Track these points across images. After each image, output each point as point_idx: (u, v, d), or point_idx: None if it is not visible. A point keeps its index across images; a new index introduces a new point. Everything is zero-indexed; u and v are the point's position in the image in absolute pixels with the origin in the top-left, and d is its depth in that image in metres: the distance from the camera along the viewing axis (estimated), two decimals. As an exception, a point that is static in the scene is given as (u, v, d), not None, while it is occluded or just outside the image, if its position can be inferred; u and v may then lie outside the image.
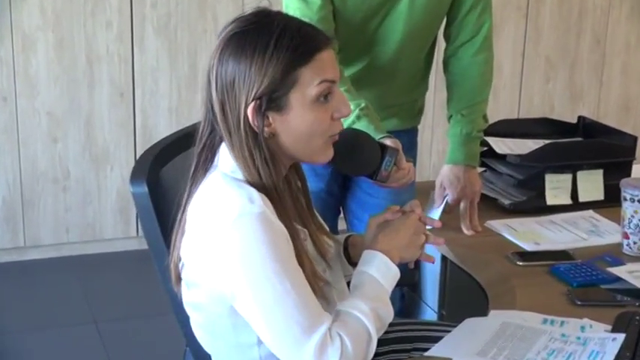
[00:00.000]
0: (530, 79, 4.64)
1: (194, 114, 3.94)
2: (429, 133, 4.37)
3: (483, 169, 2.58)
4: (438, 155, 4.42)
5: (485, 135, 2.53)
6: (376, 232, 1.58)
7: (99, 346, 3.26)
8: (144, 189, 1.55)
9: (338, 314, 1.45)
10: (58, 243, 4.01)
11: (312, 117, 1.46)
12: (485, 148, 2.52)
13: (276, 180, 1.46)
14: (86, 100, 3.89)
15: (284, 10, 2.13)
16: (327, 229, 1.69)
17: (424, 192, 2.33)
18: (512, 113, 4.61)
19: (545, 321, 1.73)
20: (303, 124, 1.46)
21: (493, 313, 1.79)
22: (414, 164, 2.42)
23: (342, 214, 2.46)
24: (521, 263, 2.04)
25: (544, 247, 2.13)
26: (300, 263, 1.43)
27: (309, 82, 1.44)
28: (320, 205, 2.33)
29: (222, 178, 1.46)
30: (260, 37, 1.42)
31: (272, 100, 1.43)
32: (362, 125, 1.95)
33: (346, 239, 1.74)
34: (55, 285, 3.79)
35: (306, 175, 2.29)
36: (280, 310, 1.37)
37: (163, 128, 3.96)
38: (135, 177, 1.57)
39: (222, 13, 3.94)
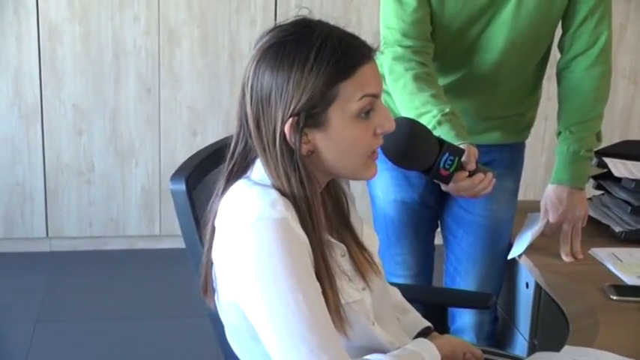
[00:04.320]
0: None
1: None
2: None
3: (601, 192, 2.40)
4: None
5: (606, 155, 2.36)
6: None
7: (96, 345, 3.20)
8: (182, 187, 1.51)
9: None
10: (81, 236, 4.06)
11: (353, 133, 1.37)
12: (605, 170, 2.34)
13: (311, 197, 1.37)
14: (112, 93, 3.90)
15: (381, 10, 2.06)
16: (369, 249, 1.54)
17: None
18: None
19: (619, 364, 1.57)
20: (343, 141, 1.37)
21: (566, 349, 1.64)
22: (518, 181, 2.29)
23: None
24: (615, 297, 1.86)
25: (647, 282, 1.94)
26: (319, 277, 1.35)
27: (349, 98, 1.34)
28: (413, 216, 2.25)
29: (248, 182, 1.39)
30: (299, 49, 1.32)
31: (311, 117, 1.34)
32: (442, 130, 1.84)
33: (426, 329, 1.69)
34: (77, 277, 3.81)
35: (400, 185, 2.23)
36: (288, 324, 1.28)
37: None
38: (175, 174, 1.54)
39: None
